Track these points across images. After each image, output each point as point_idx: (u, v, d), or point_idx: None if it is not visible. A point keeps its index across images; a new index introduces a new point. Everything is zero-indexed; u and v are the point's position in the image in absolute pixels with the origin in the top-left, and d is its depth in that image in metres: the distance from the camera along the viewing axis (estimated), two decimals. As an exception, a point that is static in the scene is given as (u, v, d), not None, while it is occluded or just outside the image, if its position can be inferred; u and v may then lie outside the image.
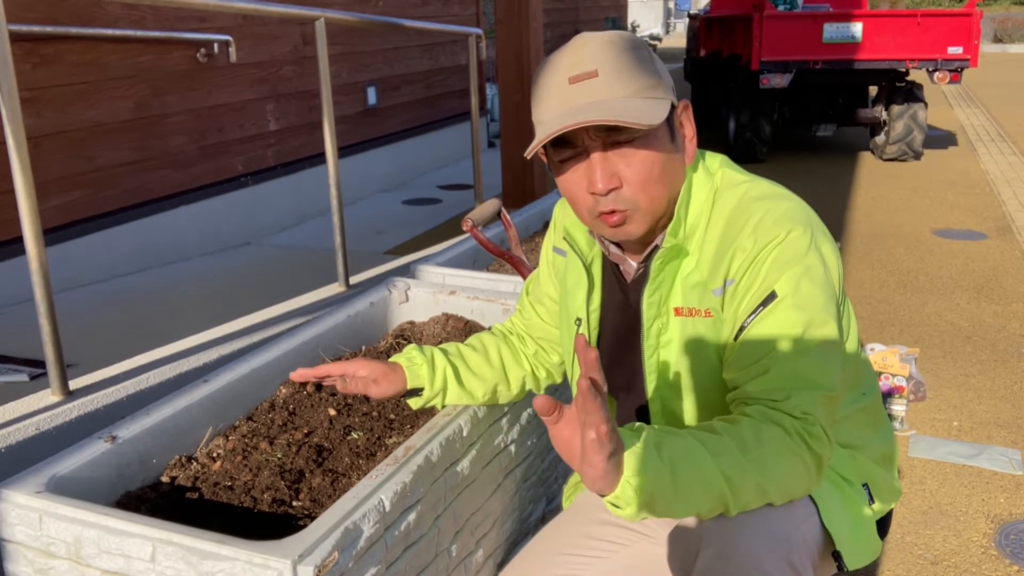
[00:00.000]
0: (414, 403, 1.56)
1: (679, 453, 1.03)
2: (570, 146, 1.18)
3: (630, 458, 0.98)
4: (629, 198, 1.18)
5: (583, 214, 1.23)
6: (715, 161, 1.30)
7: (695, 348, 1.23)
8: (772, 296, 1.15)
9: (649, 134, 1.16)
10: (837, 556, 1.22)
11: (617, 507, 1.00)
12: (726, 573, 1.08)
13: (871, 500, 1.31)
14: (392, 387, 1.49)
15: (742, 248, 1.18)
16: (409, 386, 1.51)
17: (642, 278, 1.29)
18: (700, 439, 1.06)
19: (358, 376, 1.48)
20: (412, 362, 1.52)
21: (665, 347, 1.26)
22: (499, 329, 1.65)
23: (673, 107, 1.20)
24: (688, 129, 1.24)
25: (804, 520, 1.16)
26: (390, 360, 1.53)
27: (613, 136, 1.15)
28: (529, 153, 1.16)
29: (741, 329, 1.17)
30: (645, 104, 1.14)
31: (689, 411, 1.27)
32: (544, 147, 1.21)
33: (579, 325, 1.38)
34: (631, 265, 1.32)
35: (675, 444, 1.04)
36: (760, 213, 1.19)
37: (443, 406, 1.59)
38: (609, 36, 1.17)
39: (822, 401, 1.12)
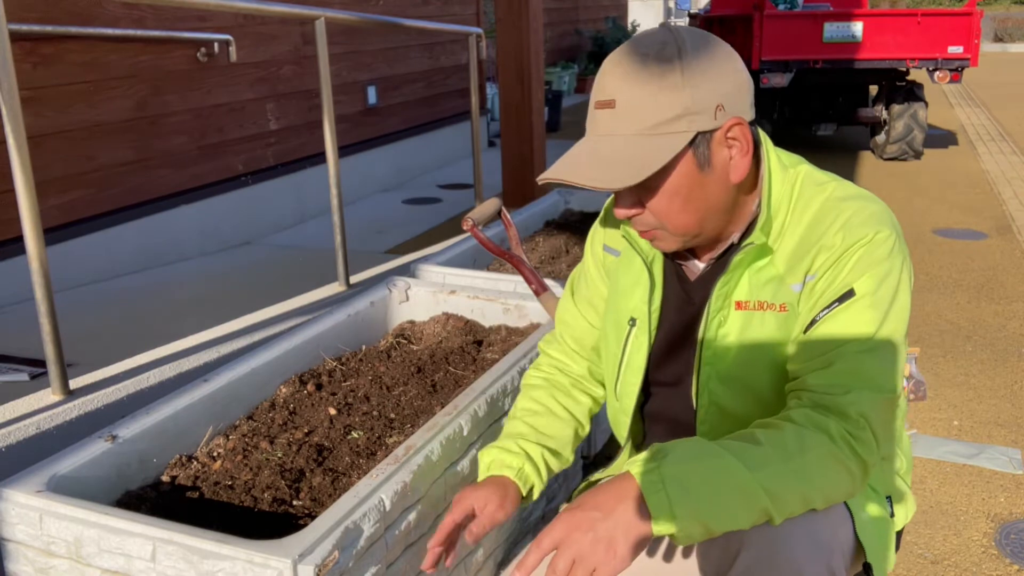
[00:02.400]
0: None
1: (709, 475, 1.04)
2: None
3: (655, 507, 1.01)
4: (653, 223, 1.20)
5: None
6: (789, 156, 1.29)
7: (757, 342, 1.23)
8: (850, 293, 1.16)
9: (667, 168, 1.15)
10: (868, 568, 1.23)
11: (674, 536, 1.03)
12: None
13: (891, 512, 1.31)
14: (513, 503, 1.34)
15: (828, 245, 1.18)
16: (524, 494, 1.39)
17: (712, 273, 1.28)
18: (738, 454, 1.06)
19: (482, 510, 1.30)
20: (519, 472, 1.37)
21: (723, 341, 1.25)
22: (540, 376, 1.52)
23: (703, 133, 1.15)
24: (737, 147, 1.18)
25: (840, 526, 1.16)
26: (490, 473, 1.37)
27: None
28: (542, 179, 1.18)
29: (813, 323, 1.18)
30: (651, 145, 1.13)
31: (740, 406, 1.26)
32: None
33: (633, 325, 1.35)
34: (695, 264, 1.32)
35: (706, 466, 1.05)
36: (848, 212, 1.19)
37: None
38: (646, 51, 1.14)
39: (880, 404, 1.12)
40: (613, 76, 1.16)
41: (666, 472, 1.04)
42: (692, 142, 1.14)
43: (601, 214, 1.50)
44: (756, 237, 1.21)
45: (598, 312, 1.48)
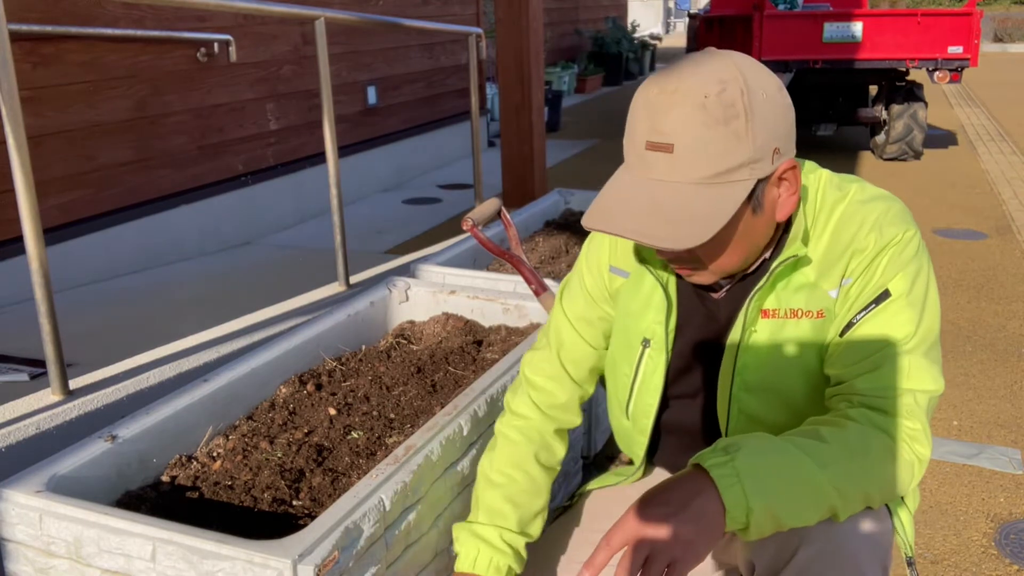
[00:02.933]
0: None
1: (781, 470, 1.04)
2: None
3: (731, 500, 1.01)
4: (697, 263, 1.19)
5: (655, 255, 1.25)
6: (808, 164, 1.28)
7: (788, 349, 1.23)
8: (886, 294, 1.17)
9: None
10: (911, 563, 1.26)
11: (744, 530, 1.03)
12: (825, 572, 1.09)
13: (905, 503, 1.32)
14: None
15: (861, 248, 1.18)
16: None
17: (741, 288, 1.26)
18: (807, 450, 1.07)
19: None
20: (508, 572, 1.35)
21: (751, 350, 1.24)
22: (518, 426, 1.43)
23: (762, 180, 1.11)
24: (787, 187, 1.15)
25: (885, 523, 1.17)
26: (476, 572, 1.34)
27: None
28: (593, 229, 1.11)
29: (850, 325, 1.18)
30: (714, 196, 1.08)
31: (769, 414, 1.25)
32: None
33: (646, 346, 1.32)
34: (720, 282, 1.29)
35: (777, 461, 1.05)
36: (876, 214, 1.20)
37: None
38: (705, 93, 1.07)
39: (928, 402, 1.14)
40: (670, 117, 1.08)
41: (740, 466, 1.03)
42: (752, 190, 1.11)
43: (600, 236, 1.44)
44: (797, 249, 1.19)
45: (596, 330, 1.42)
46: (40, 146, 3.73)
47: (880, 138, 7.55)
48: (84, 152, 3.98)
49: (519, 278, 2.37)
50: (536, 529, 1.40)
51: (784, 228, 1.23)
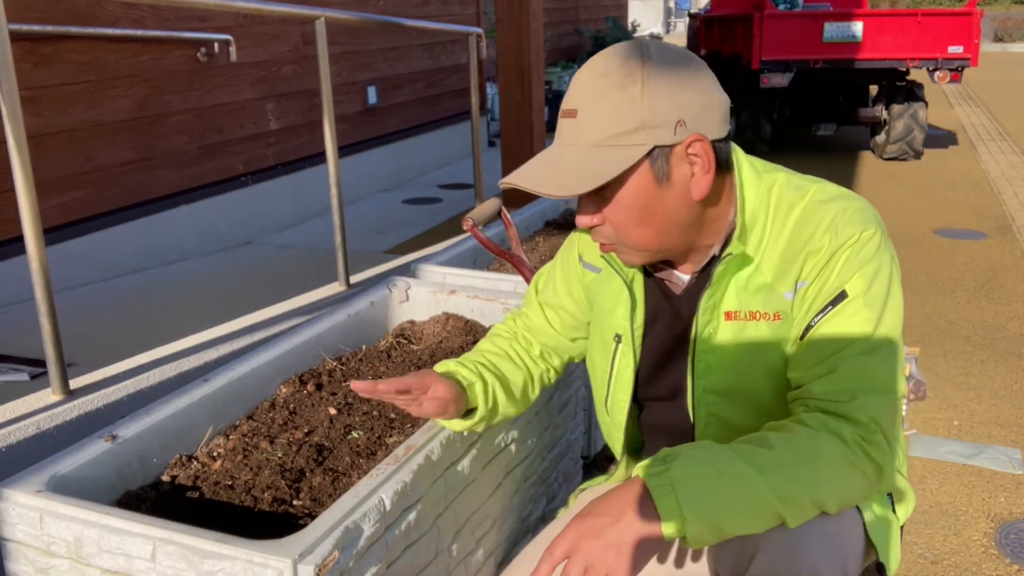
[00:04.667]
0: (455, 425, 1.47)
1: (719, 479, 1.04)
2: None
3: (663, 506, 1.02)
4: (612, 236, 1.20)
5: None
6: (766, 165, 1.28)
7: (750, 352, 1.22)
8: (843, 295, 1.15)
9: (623, 179, 1.15)
10: (881, 568, 1.23)
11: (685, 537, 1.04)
12: None
13: (893, 509, 1.31)
14: (448, 390, 1.38)
15: (816, 249, 1.17)
16: (469, 406, 1.43)
17: (698, 285, 1.27)
18: (749, 458, 1.06)
19: (427, 392, 1.37)
20: (470, 386, 1.42)
21: (715, 352, 1.24)
22: (505, 330, 1.59)
23: (661, 147, 1.14)
24: (699, 165, 1.16)
25: (853, 528, 1.16)
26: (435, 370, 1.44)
27: None
28: (503, 184, 1.20)
29: (808, 328, 1.17)
30: (603, 156, 1.13)
31: (738, 416, 1.26)
32: None
33: (619, 342, 1.35)
34: (679, 277, 1.31)
35: (716, 469, 1.05)
36: (832, 214, 1.19)
37: (482, 425, 1.48)
38: (611, 63, 1.15)
39: (888, 405, 1.12)
40: (577, 86, 1.17)
41: (675, 475, 1.04)
42: (649, 155, 1.13)
43: (579, 230, 1.50)
44: (734, 247, 1.21)
45: (561, 319, 1.51)
46: (40, 146, 3.73)
47: (880, 138, 7.55)
48: (84, 152, 3.98)
49: (519, 278, 2.37)
50: (514, 394, 1.49)
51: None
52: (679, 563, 1.34)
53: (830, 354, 1.14)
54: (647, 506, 1.02)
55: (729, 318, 1.23)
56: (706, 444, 1.11)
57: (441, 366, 1.45)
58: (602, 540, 1.01)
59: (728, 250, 1.21)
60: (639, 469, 1.07)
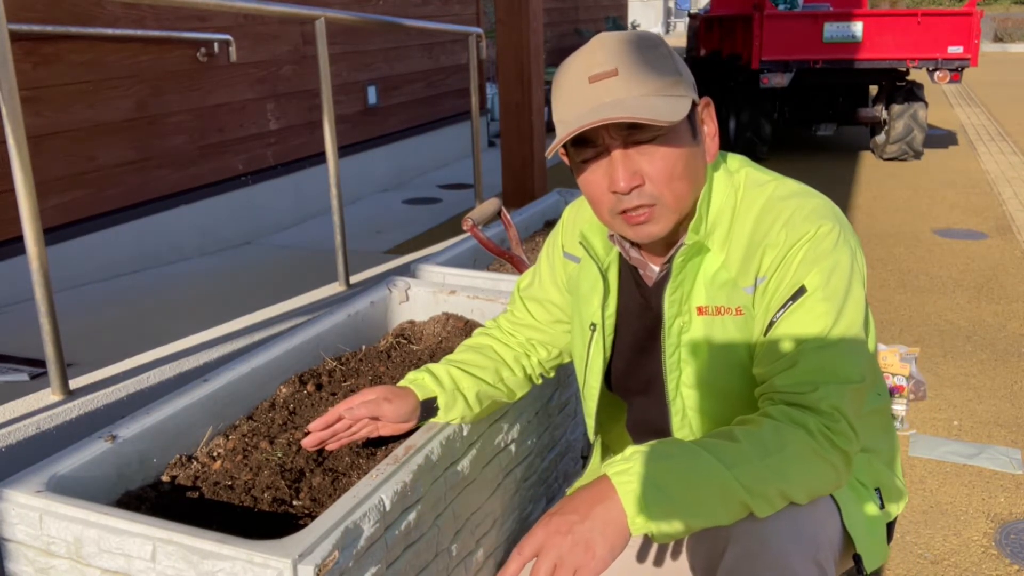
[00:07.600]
0: (439, 418, 1.52)
1: (684, 473, 1.05)
2: (591, 145, 1.18)
3: (625, 496, 1.03)
4: (653, 193, 1.19)
5: (604, 214, 1.24)
6: (735, 161, 1.31)
7: (721, 347, 1.23)
8: (802, 290, 1.16)
9: (670, 131, 1.16)
10: (858, 560, 1.23)
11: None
12: (754, 571, 1.09)
13: (882, 504, 1.31)
14: (405, 403, 1.46)
15: (773, 245, 1.19)
16: (421, 397, 1.48)
17: (664, 279, 1.28)
18: (715, 451, 1.07)
19: (367, 400, 1.45)
20: (413, 380, 1.50)
21: (687, 346, 1.26)
22: (481, 329, 1.65)
23: (694, 104, 1.20)
24: (710, 126, 1.24)
25: (827, 519, 1.16)
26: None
27: (634, 135, 1.16)
28: (550, 152, 1.17)
29: (771, 324, 1.18)
30: (665, 102, 1.14)
31: (714, 410, 1.27)
32: (565, 147, 1.22)
33: (594, 331, 1.37)
34: (652, 269, 1.32)
35: (680, 464, 1.06)
36: (789, 210, 1.20)
37: (465, 408, 1.51)
38: (627, 35, 1.18)
39: (850, 394, 1.13)
40: (605, 51, 1.16)
41: (640, 471, 1.05)
42: (692, 107, 1.19)
43: (561, 221, 1.52)
44: (688, 236, 1.22)
45: (547, 311, 1.54)
46: (40, 146, 3.73)
47: (880, 138, 7.55)
48: (84, 152, 3.98)
49: (519, 278, 2.37)
50: (483, 376, 1.53)
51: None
52: (658, 561, 1.35)
53: (792, 348, 1.15)
54: (614, 503, 1.03)
55: (701, 313, 1.24)
56: (672, 440, 1.12)
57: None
58: (570, 537, 1.01)
59: (683, 239, 1.24)
60: (606, 466, 1.08)
